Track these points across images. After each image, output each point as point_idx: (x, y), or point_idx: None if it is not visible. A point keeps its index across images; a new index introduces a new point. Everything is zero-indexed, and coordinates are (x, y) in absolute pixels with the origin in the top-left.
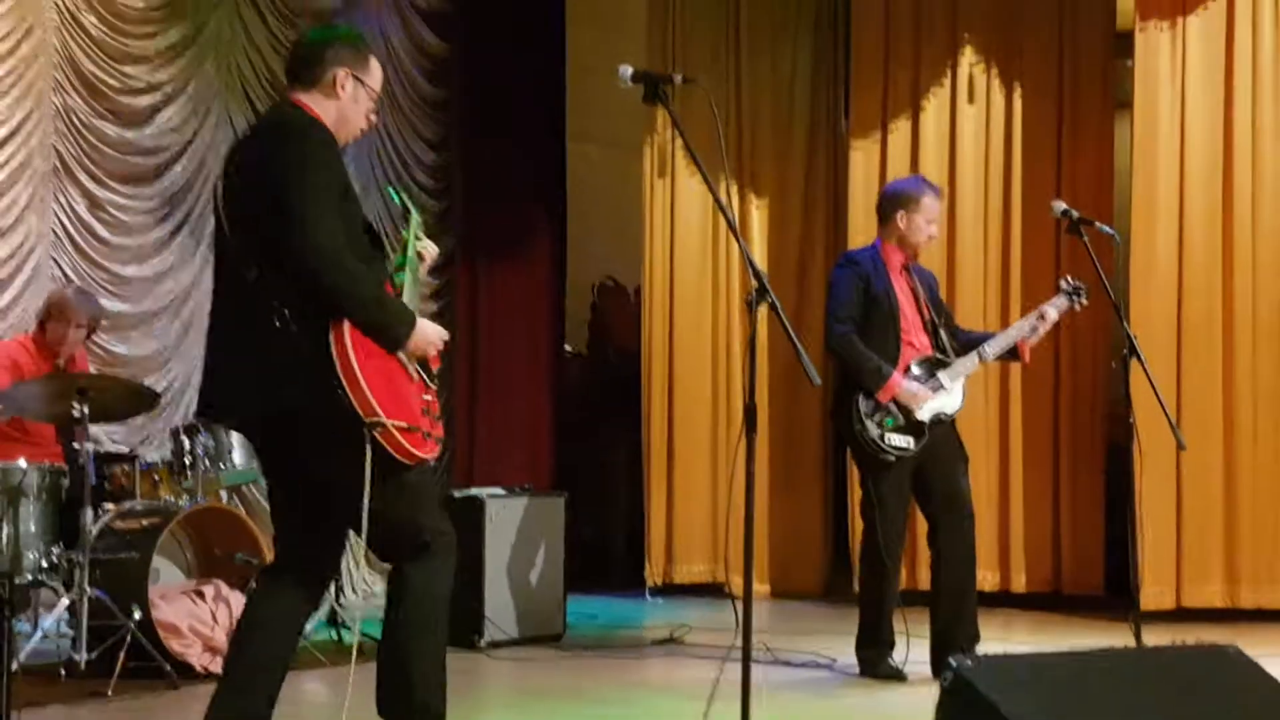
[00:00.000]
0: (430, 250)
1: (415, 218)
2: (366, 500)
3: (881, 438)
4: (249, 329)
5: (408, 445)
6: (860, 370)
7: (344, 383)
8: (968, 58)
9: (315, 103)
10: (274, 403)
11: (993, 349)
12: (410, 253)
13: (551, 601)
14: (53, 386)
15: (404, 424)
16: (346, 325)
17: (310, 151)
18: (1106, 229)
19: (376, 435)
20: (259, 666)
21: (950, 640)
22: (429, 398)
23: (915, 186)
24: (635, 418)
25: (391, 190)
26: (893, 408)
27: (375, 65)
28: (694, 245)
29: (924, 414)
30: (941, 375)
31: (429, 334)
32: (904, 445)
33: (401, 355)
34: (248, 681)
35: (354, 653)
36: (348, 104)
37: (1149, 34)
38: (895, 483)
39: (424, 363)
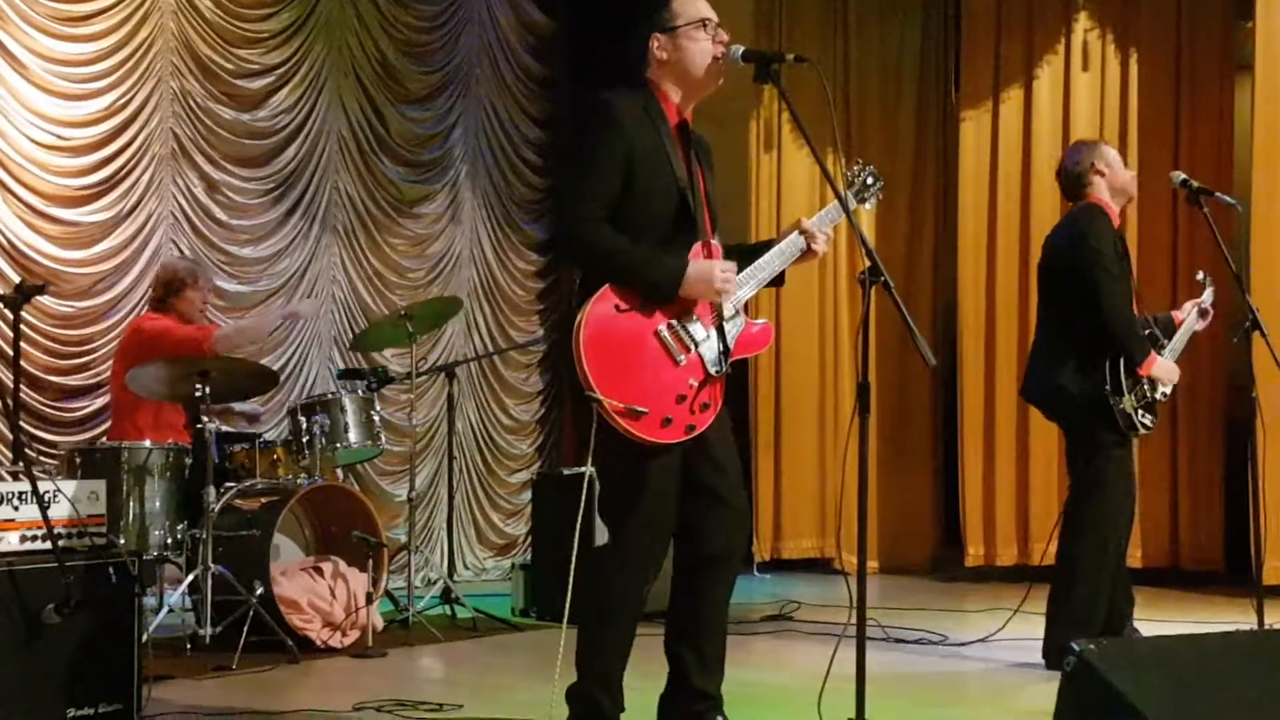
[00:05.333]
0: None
1: (836, 211)
2: (590, 465)
3: (1136, 411)
4: None
5: (623, 423)
6: (1130, 337)
7: (572, 357)
8: (1081, 24)
9: (654, 76)
10: None
11: (1179, 349)
12: (797, 231)
13: (660, 578)
14: (175, 368)
15: (621, 405)
16: (590, 303)
17: (584, 136)
18: (1227, 199)
19: (597, 410)
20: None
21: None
22: (695, 382)
23: (1083, 144)
24: (741, 393)
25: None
26: (1145, 383)
27: (679, 3)
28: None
29: (1158, 392)
30: (1166, 353)
31: (698, 285)
32: (1148, 423)
33: (666, 338)
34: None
35: None
36: (673, 60)
37: None
38: (1127, 460)
39: (726, 350)
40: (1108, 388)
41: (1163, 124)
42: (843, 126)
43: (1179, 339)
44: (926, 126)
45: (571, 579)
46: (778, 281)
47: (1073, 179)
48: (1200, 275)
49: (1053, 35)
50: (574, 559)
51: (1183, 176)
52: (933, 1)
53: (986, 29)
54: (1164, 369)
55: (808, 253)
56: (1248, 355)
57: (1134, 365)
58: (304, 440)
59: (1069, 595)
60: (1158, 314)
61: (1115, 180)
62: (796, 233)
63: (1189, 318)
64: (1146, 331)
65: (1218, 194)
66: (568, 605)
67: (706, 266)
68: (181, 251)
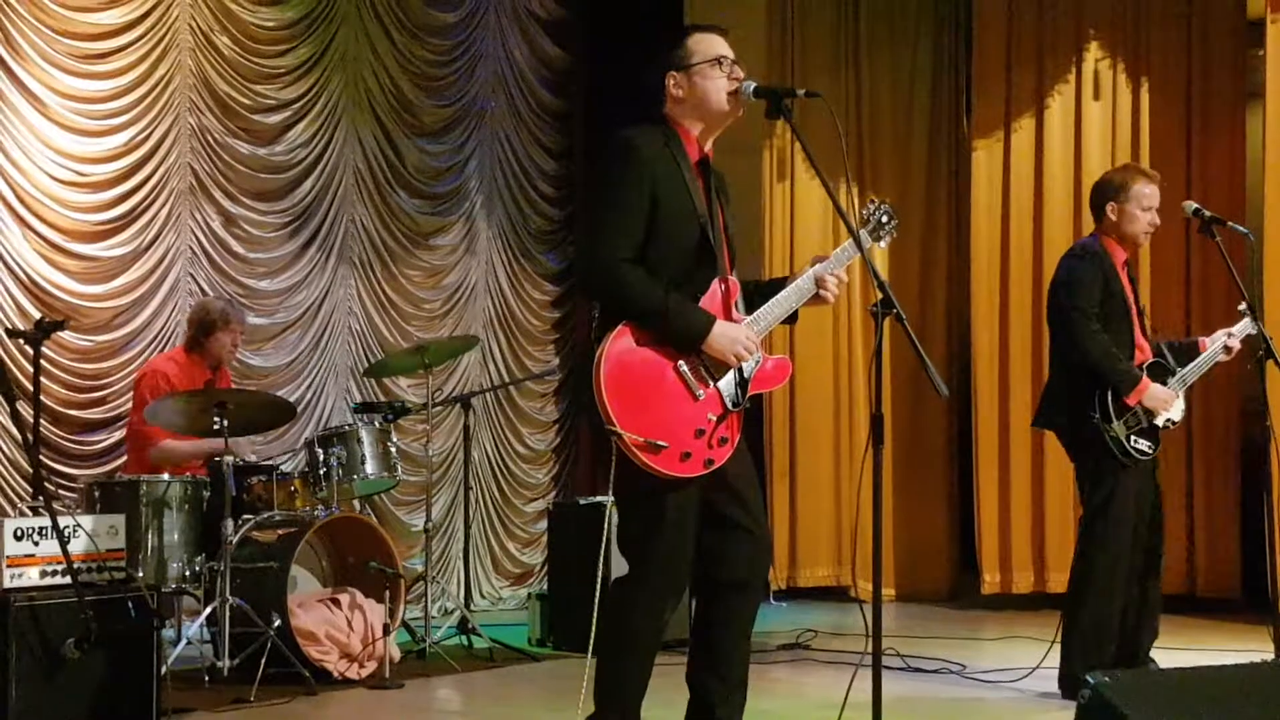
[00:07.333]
0: (826, 290)
1: (851, 249)
2: (610, 496)
3: (1128, 438)
4: None
5: (643, 457)
6: (1111, 371)
7: (591, 388)
8: (1093, 53)
9: (671, 112)
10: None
11: (1193, 376)
12: (811, 272)
13: (680, 606)
14: (194, 402)
15: (641, 439)
16: (611, 337)
17: (605, 168)
18: (1239, 228)
19: (617, 443)
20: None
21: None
22: (714, 417)
23: (1122, 173)
24: (756, 422)
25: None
26: (1139, 410)
27: (694, 40)
28: (814, 249)
29: (1160, 419)
30: (1172, 382)
31: (722, 342)
32: (1146, 449)
33: (686, 373)
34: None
35: None
36: (689, 98)
37: None
38: (1131, 485)
39: (743, 384)
40: (1096, 416)
41: (1174, 152)
42: (855, 157)
43: (1195, 367)
44: (938, 156)
45: (596, 610)
46: (790, 319)
47: (1093, 205)
48: (1242, 306)
49: (1064, 64)
50: (598, 590)
51: (1195, 206)
52: (943, 32)
53: (997, 59)
54: (1155, 397)
55: (817, 297)
56: (1262, 382)
57: (1120, 396)
58: (321, 472)
59: (1077, 621)
60: (1180, 340)
61: (1126, 228)
62: (810, 273)
63: (1214, 347)
64: (1152, 361)
65: (1230, 222)
66: (591, 637)
67: (733, 331)
68: (200, 286)
